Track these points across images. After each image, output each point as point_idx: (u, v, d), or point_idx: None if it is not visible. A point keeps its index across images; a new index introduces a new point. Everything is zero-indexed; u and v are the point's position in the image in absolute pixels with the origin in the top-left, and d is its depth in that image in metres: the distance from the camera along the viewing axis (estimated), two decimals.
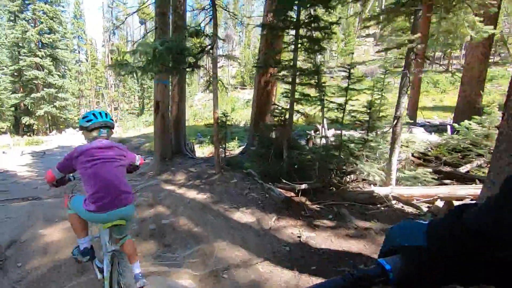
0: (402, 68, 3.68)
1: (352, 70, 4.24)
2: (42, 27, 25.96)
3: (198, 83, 40.96)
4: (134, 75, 5.55)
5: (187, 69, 5.42)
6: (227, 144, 7.49)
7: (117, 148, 2.08)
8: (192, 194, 4.96)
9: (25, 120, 27.63)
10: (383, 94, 4.93)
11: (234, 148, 10.60)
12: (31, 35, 25.12)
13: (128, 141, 15.97)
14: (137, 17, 41.35)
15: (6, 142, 13.63)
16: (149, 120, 25.07)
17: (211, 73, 5.48)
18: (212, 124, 5.91)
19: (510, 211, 0.32)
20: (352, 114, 4.68)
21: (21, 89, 28.27)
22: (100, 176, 1.89)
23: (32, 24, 26.08)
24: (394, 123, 3.73)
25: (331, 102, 4.55)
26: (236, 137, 13.04)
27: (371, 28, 44.97)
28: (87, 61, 38.67)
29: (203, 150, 12.97)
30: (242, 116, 20.77)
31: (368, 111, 4.53)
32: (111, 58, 35.12)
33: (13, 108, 27.31)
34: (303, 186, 4.23)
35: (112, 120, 2.15)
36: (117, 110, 37.02)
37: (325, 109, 4.65)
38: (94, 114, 2.04)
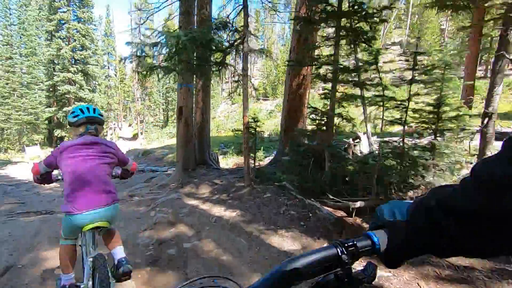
0: (495, 50, 2.77)
1: (418, 57, 3.37)
2: (75, 44, 27.25)
3: (221, 94, 41.22)
4: (156, 75, 5.04)
5: (213, 68, 4.80)
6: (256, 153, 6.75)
7: (104, 145, 1.91)
8: (218, 210, 4.23)
9: (57, 132, 28.77)
10: (445, 90, 3.99)
11: (262, 158, 9.85)
12: (65, 52, 26.39)
13: (152, 152, 15.76)
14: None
15: (36, 153, 13.82)
16: (172, 132, 25.09)
17: (240, 71, 4.83)
18: (239, 130, 5.22)
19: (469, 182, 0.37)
20: (414, 114, 3.78)
21: (55, 103, 29.65)
22: (78, 174, 1.74)
23: (66, 42, 27.46)
24: (485, 122, 2.80)
25: (391, 98, 3.67)
26: (262, 147, 12.33)
27: (397, 36, 43.42)
28: (115, 76, 40.21)
29: (226, 161, 12.36)
30: (266, 126, 20.16)
31: (436, 110, 3.61)
32: (138, 73, 36.17)
33: (47, 122, 28.62)
34: (358, 204, 3.35)
35: (102, 115, 2.03)
36: (143, 122, 37.87)
37: (382, 109, 3.77)
38: (81, 109, 1.93)
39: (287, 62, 7.93)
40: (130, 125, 58.01)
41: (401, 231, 0.45)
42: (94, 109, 1.99)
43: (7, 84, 24.10)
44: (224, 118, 31.98)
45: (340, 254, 0.43)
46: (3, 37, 24.03)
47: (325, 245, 0.54)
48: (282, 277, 0.42)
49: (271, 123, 22.22)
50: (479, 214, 0.35)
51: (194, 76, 6.25)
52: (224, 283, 0.51)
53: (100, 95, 31.69)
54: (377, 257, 0.47)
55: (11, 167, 13.25)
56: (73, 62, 28.06)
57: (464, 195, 0.37)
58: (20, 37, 25.23)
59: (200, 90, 7.48)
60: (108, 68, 39.37)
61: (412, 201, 0.48)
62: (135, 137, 39.18)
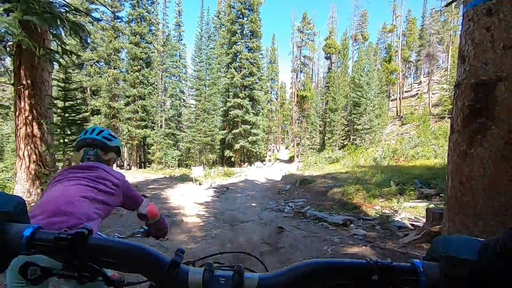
0: None
1: None
2: (245, 72, 29.72)
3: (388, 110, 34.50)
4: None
5: None
6: None
7: (105, 171, 1.39)
8: None
9: (226, 153, 31.79)
10: None
11: None
12: (237, 80, 29.16)
13: (311, 181, 12.65)
14: (322, 52, 41.47)
15: (199, 173, 13.82)
16: (332, 157, 21.53)
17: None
18: None
19: None
20: None
21: (227, 127, 33.31)
22: (49, 195, 1.26)
23: (238, 71, 30.47)
24: None
25: None
26: None
27: None
28: (277, 100, 42.15)
29: None
30: None
31: None
32: (297, 95, 35.85)
33: (219, 143, 32.35)
34: None
35: (109, 139, 1.50)
36: (299, 145, 36.92)
37: None
38: (86, 131, 1.51)
39: None
40: (287, 147, 60.13)
41: (464, 270, 0.38)
42: (100, 131, 1.51)
43: (194, 111, 28.88)
44: (396, 141, 25.48)
45: (369, 270, 0.40)
46: (194, 72, 29.40)
47: (359, 259, 0.40)
48: (297, 276, 0.41)
49: None
50: None
51: None
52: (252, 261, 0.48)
53: (262, 118, 33.11)
54: None
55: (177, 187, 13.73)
56: (242, 88, 30.63)
57: None
58: (205, 71, 29.96)
59: None
60: (271, 93, 41.78)
61: (482, 239, 0.40)
62: (291, 159, 38.77)
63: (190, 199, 9.44)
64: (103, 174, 1.37)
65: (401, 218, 6.30)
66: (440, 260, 0.41)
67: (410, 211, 7.17)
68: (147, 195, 9.47)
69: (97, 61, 30.55)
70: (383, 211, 7.22)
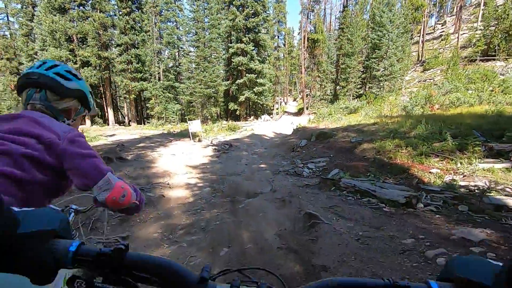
0: None
1: None
2: (248, 11, 25.69)
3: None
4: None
5: None
6: None
7: (30, 120, 0.84)
8: None
9: (231, 106, 29.33)
10: None
11: None
12: (239, 21, 25.36)
13: (331, 135, 10.49)
14: None
15: (197, 129, 11.72)
16: (349, 107, 19.02)
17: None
18: None
19: None
20: None
21: (231, 77, 30.30)
22: None
23: (241, 10, 26.40)
24: None
25: None
26: None
27: None
28: (284, 46, 37.96)
29: None
30: None
31: None
32: (308, 39, 31.84)
33: (222, 96, 29.71)
34: None
35: (61, 76, 0.95)
36: (309, 96, 33.99)
37: None
38: (34, 64, 0.97)
39: None
40: (295, 99, 56.90)
41: None
42: (54, 65, 0.96)
43: (193, 59, 25.78)
44: (420, 88, 22.51)
45: None
46: (190, 13, 25.61)
47: (375, 278, 0.43)
48: None
49: None
50: None
51: None
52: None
53: (269, 66, 29.82)
54: None
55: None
56: (246, 31, 26.89)
57: None
58: (203, 11, 26.01)
59: None
60: (278, 37, 37.47)
61: (500, 263, 0.39)
62: (300, 112, 36.21)
63: (182, 161, 7.47)
64: (27, 125, 0.82)
65: (488, 189, 4.20)
66: (454, 281, 0.40)
67: (486, 175, 5.07)
68: (127, 158, 7.50)
69: (80, 4, 26.70)
70: (447, 176, 5.13)
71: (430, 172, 5.49)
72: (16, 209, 0.46)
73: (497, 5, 31.74)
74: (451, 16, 52.84)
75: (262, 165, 7.86)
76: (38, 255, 0.43)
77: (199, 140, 12.56)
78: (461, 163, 5.68)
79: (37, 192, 0.80)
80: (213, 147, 9.56)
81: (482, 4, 34.61)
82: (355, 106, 18.69)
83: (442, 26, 49.16)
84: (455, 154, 6.17)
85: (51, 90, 0.94)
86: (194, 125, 11.69)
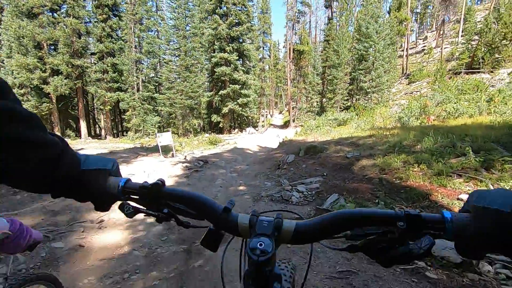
0: None
1: None
2: (232, 20, 24.70)
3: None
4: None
5: None
6: None
7: None
8: None
9: (214, 118, 27.83)
10: None
11: None
12: (222, 29, 24.25)
13: (322, 149, 9.16)
14: (320, 2, 35.97)
15: (167, 142, 10.07)
16: (338, 119, 17.94)
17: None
18: None
19: None
20: None
21: (214, 88, 28.95)
22: None
23: (225, 19, 25.39)
24: None
25: None
26: None
27: None
28: (270, 57, 37.22)
29: None
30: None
31: None
32: (293, 50, 31.18)
33: (206, 107, 28.19)
34: None
35: None
36: (295, 108, 33.03)
37: None
38: None
39: None
40: (280, 112, 56.12)
41: (495, 220, 0.37)
42: None
43: (172, 69, 24.30)
44: (412, 100, 21.92)
45: (396, 218, 0.42)
46: (170, 20, 24.36)
47: (387, 209, 0.42)
48: (331, 223, 0.46)
49: None
50: None
51: None
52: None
53: (254, 77, 28.72)
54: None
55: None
56: (229, 41, 25.82)
57: None
58: (185, 19, 24.80)
59: None
60: (263, 49, 36.73)
61: None
62: (286, 124, 35.14)
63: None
64: None
65: None
66: (472, 211, 0.41)
67: None
68: None
69: (51, 9, 24.91)
70: None
71: (459, 199, 4.15)
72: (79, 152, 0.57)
73: (476, 21, 32.45)
74: (431, 31, 54.44)
75: (241, 188, 6.34)
76: (97, 187, 0.54)
77: (172, 156, 10.93)
78: (492, 184, 4.40)
79: None
80: (185, 164, 7.96)
81: (462, 19, 35.46)
82: (344, 117, 17.62)
83: (423, 41, 50.33)
84: (481, 173, 4.90)
85: None
86: (164, 138, 10.05)
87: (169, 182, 6.43)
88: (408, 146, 7.13)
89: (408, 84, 30.43)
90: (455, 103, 13.46)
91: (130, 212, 0.56)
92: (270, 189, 6.06)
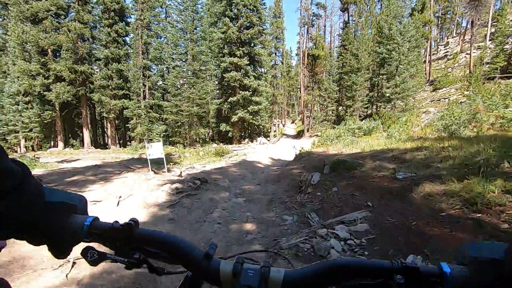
0: None
1: None
2: (242, 22, 23.10)
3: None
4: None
5: None
6: None
7: None
8: None
9: (223, 127, 26.02)
10: None
11: None
12: (232, 33, 22.65)
13: (353, 164, 7.01)
14: (335, 5, 34.15)
15: (157, 154, 8.10)
16: (362, 127, 15.71)
17: None
18: None
19: None
20: None
21: (223, 95, 27.27)
22: None
23: (235, 22, 23.84)
24: None
25: None
26: None
27: None
28: (282, 63, 35.42)
29: None
30: None
31: None
32: (308, 55, 29.31)
33: (214, 116, 26.46)
34: None
35: None
36: (309, 118, 30.87)
37: None
38: None
39: None
40: (293, 121, 53.94)
41: (491, 270, 0.37)
42: None
43: (179, 73, 22.78)
44: (435, 108, 19.49)
45: (393, 271, 0.40)
46: (176, 23, 23.00)
47: (383, 260, 0.42)
48: (322, 273, 0.43)
49: None
50: None
51: None
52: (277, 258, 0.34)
53: (265, 83, 26.88)
54: None
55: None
56: (239, 44, 24.19)
57: None
58: (192, 22, 23.39)
59: None
60: (275, 54, 34.99)
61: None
62: (299, 134, 32.97)
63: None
64: None
65: None
66: (468, 264, 0.40)
67: None
68: None
69: (56, 14, 24.07)
70: None
71: None
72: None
73: (510, 19, 29.95)
74: (452, 37, 51.70)
75: (248, 227, 4.27)
76: (60, 225, 0.46)
77: (168, 170, 9.00)
78: None
79: None
80: (175, 185, 5.97)
81: (489, 23, 32.94)
82: (369, 126, 15.36)
83: (445, 47, 47.69)
84: None
85: None
86: (154, 150, 8.11)
87: (142, 216, 4.42)
88: (491, 164, 4.91)
89: (434, 91, 27.98)
90: (502, 108, 11.11)
91: (94, 259, 0.48)
92: (292, 232, 3.95)
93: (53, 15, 23.99)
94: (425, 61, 35.18)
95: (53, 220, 0.45)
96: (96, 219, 0.49)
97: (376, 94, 26.05)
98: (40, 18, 23.71)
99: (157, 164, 9.48)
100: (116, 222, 0.48)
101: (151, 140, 25.09)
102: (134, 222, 0.48)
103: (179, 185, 6.08)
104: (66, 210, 0.47)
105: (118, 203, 4.78)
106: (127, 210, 4.35)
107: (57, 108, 25.52)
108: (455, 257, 0.43)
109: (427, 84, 31.40)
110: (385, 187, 5.31)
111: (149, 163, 8.32)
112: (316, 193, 5.73)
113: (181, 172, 8.14)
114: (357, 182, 6.03)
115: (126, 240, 0.47)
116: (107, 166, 9.92)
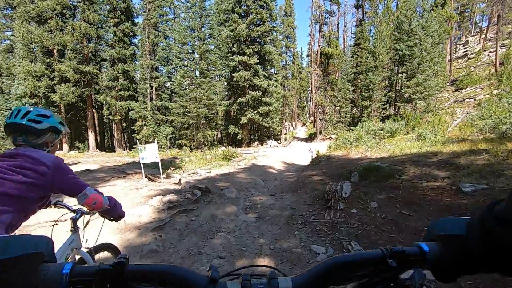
0: None
1: None
2: (252, 18, 21.94)
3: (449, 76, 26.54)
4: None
5: None
6: None
7: (28, 158, 1.20)
8: None
9: (231, 129, 24.82)
10: None
11: None
12: (241, 29, 21.50)
13: (391, 171, 5.62)
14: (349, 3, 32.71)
15: (150, 158, 6.87)
16: (385, 128, 14.18)
17: None
18: None
19: None
20: None
21: (232, 96, 26.12)
22: None
23: (244, 19, 22.70)
24: None
25: None
26: None
27: None
28: (293, 63, 34.08)
29: None
30: None
31: None
32: (321, 54, 27.91)
33: (223, 117, 25.30)
34: None
35: (34, 121, 1.27)
36: (322, 120, 29.37)
37: None
38: (11, 113, 1.30)
39: None
40: (304, 124, 52.38)
41: (458, 245, 0.42)
42: (27, 112, 1.27)
43: (185, 73, 21.74)
44: (460, 108, 17.80)
45: (386, 257, 0.43)
46: (183, 21, 22.04)
47: (373, 249, 0.46)
48: (326, 272, 0.44)
49: None
50: None
51: None
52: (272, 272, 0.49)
53: (276, 83, 25.60)
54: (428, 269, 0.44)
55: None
56: (249, 42, 23.02)
57: None
58: (199, 19, 22.38)
59: None
60: (286, 54, 33.68)
61: (468, 218, 0.45)
62: (311, 137, 31.47)
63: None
64: (26, 162, 1.19)
65: None
66: (438, 239, 0.45)
67: None
68: None
69: (61, 13, 23.52)
70: None
71: None
72: None
73: None
74: (472, 36, 49.32)
75: (263, 261, 2.95)
76: (28, 283, 0.37)
77: (168, 176, 7.78)
78: None
79: (31, 203, 1.17)
80: (167, 197, 4.71)
81: None
82: (392, 127, 13.84)
83: (464, 46, 45.43)
84: None
85: (28, 133, 1.27)
86: (148, 152, 6.89)
87: (116, 242, 3.17)
88: None
89: (456, 91, 26.13)
90: None
91: None
92: None
93: (59, 15, 23.39)
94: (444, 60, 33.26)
95: (17, 278, 0.35)
96: (75, 264, 0.41)
97: (394, 94, 24.40)
98: (45, 18, 23.17)
99: (155, 168, 8.29)
100: (102, 263, 0.41)
101: (158, 143, 24.13)
102: (125, 259, 0.42)
103: (173, 197, 4.81)
104: (31, 262, 0.37)
105: (86, 224, 3.51)
106: (92, 236, 3.07)
107: (62, 110, 24.87)
108: (427, 233, 0.47)
109: (448, 84, 29.54)
110: (448, 204, 3.90)
111: (142, 168, 7.09)
112: (350, 210, 4.37)
113: (180, 179, 6.88)
114: (403, 195, 4.64)
115: (117, 283, 0.40)
116: (99, 171, 8.79)
